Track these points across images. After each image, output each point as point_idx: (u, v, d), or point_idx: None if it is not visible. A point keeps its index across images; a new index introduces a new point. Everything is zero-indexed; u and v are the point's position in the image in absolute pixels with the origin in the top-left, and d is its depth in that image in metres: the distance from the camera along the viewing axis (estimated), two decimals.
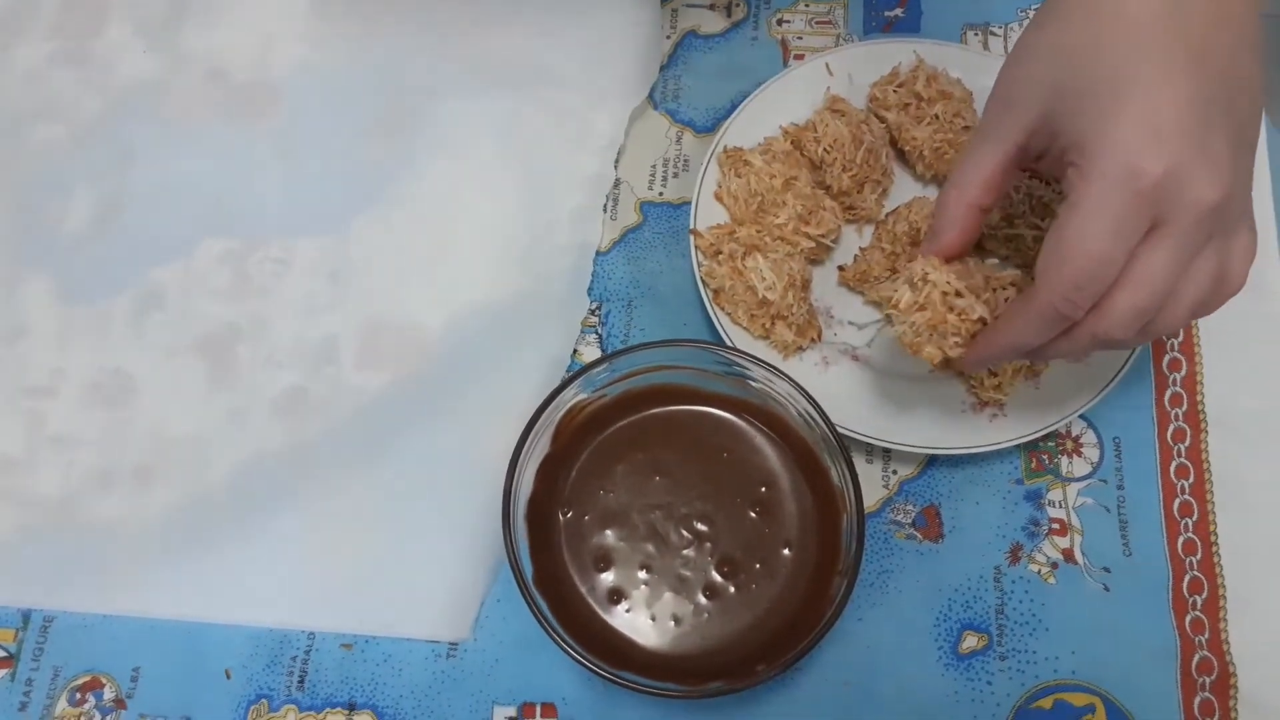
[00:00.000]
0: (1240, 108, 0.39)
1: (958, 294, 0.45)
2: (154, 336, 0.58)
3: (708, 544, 0.48)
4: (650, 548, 0.48)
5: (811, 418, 0.48)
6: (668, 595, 0.48)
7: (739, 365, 0.49)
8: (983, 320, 0.45)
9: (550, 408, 0.48)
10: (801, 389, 0.47)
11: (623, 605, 0.48)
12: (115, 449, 0.55)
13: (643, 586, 0.48)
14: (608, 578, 0.48)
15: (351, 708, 0.50)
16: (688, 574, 0.48)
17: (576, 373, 0.48)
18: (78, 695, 0.51)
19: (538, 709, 0.50)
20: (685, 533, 0.49)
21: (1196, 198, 0.37)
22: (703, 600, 0.48)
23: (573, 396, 0.49)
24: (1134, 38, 0.38)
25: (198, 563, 0.52)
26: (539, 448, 0.49)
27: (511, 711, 0.50)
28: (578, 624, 0.46)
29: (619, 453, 0.50)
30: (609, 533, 0.49)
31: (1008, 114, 0.43)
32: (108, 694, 0.51)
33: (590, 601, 0.48)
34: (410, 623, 0.51)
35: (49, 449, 0.55)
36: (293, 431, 0.55)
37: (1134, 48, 0.38)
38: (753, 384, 0.49)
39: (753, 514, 0.49)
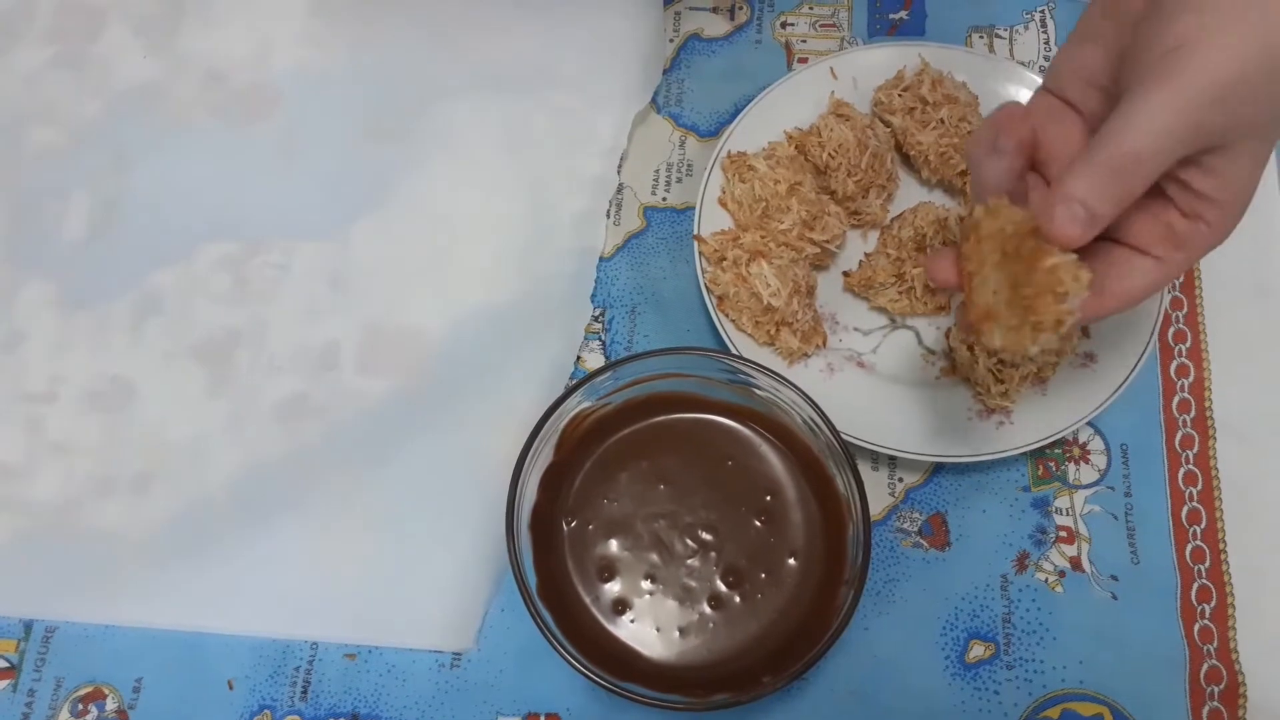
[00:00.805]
0: None
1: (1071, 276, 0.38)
2: (153, 341, 0.57)
3: (712, 553, 0.48)
4: (654, 557, 0.48)
5: (816, 425, 0.47)
6: (672, 605, 0.47)
7: (743, 373, 0.48)
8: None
9: (554, 416, 0.48)
10: (806, 396, 0.47)
11: (627, 615, 0.47)
12: (115, 456, 0.55)
13: (647, 596, 0.48)
14: (612, 587, 0.48)
15: (355, 718, 0.50)
16: (692, 584, 0.48)
17: (580, 381, 0.48)
18: (80, 706, 0.51)
19: (541, 719, 0.50)
20: (690, 542, 0.48)
21: None
22: (707, 610, 0.47)
23: (576, 404, 0.49)
24: None
25: (199, 571, 0.52)
26: (542, 456, 0.48)
27: None
28: (582, 634, 0.46)
29: (623, 461, 0.50)
30: (613, 542, 0.48)
31: (1194, 112, 0.36)
32: (110, 705, 0.51)
33: (594, 611, 0.47)
34: (414, 632, 0.51)
35: (49, 456, 0.55)
36: (293, 438, 0.55)
37: None
38: (757, 391, 0.49)
39: (758, 523, 0.49)
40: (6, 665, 0.52)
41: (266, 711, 0.50)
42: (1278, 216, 0.57)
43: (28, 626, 0.52)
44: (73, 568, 0.53)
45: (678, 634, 0.47)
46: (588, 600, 0.48)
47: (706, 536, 0.48)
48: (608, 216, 0.59)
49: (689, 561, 0.48)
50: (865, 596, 0.45)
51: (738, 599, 0.47)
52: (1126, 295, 0.40)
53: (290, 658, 0.51)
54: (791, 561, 0.48)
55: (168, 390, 0.56)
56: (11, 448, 0.55)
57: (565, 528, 0.49)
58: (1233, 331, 0.56)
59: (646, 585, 0.48)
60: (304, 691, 0.51)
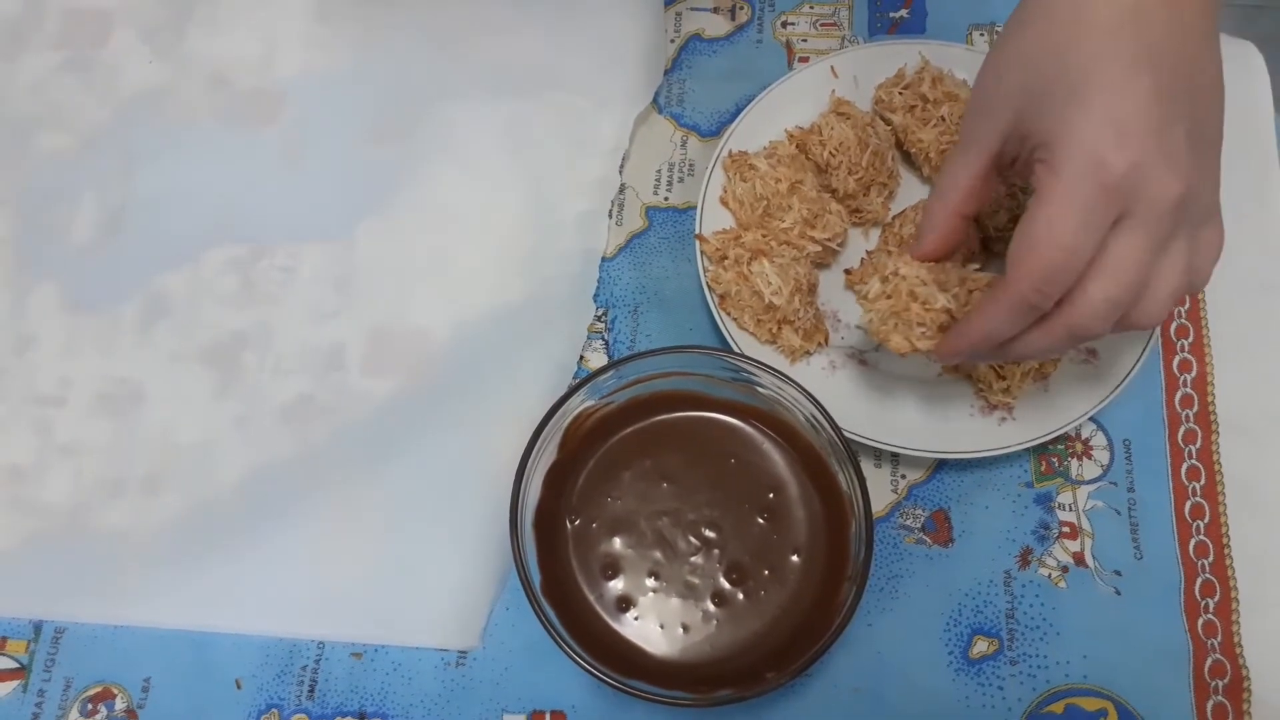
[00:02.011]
0: (1200, 105, 0.40)
1: (922, 283, 0.46)
2: (161, 344, 0.58)
3: (716, 550, 0.48)
4: (658, 555, 0.48)
5: (819, 423, 0.47)
6: (676, 602, 0.48)
7: (746, 371, 0.49)
8: (948, 311, 0.46)
9: (557, 415, 0.48)
10: (809, 394, 0.47)
11: (631, 613, 0.48)
12: (124, 458, 0.55)
13: (651, 594, 0.48)
14: (616, 585, 0.48)
15: (361, 717, 0.50)
16: (696, 581, 0.48)
17: (583, 380, 0.48)
18: (89, 706, 0.51)
19: (547, 717, 0.50)
20: (693, 539, 0.48)
21: (1160, 191, 0.38)
22: (711, 607, 0.47)
23: (580, 403, 0.49)
24: (1094, 40, 0.40)
25: (207, 572, 0.53)
26: (546, 455, 0.49)
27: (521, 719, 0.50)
28: (586, 632, 0.46)
29: (626, 459, 0.50)
30: (617, 540, 0.49)
31: (982, 122, 0.44)
32: (119, 704, 0.51)
33: (598, 609, 0.48)
34: (419, 631, 0.51)
35: (58, 458, 0.56)
36: (300, 439, 0.55)
37: (1095, 49, 0.39)
38: (760, 389, 0.49)
39: (761, 520, 0.49)
40: (16, 666, 0.52)
41: (274, 710, 0.51)
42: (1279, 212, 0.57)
43: (37, 627, 0.53)
44: (82, 569, 0.53)
45: (681, 631, 0.47)
46: (592, 598, 0.48)
47: (710, 534, 0.48)
48: (610, 217, 0.60)
49: (692, 559, 0.48)
50: (868, 593, 0.45)
51: (741, 596, 0.48)
52: (1022, 238, 0.40)
53: (297, 657, 0.51)
54: (794, 558, 0.48)
55: (176, 392, 0.57)
56: (21, 450, 0.56)
57: (569, 526, 0.49)
58: (1235, 326, 0.56)
59: (650, 583, 0.48)
60: (311, 690, 0.51)
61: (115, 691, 0.51)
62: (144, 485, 0.55)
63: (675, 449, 0.50)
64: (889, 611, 0.51)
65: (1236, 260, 0.56)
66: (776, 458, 0.50)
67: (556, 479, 0.49)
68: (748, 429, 0.51)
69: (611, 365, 0.48)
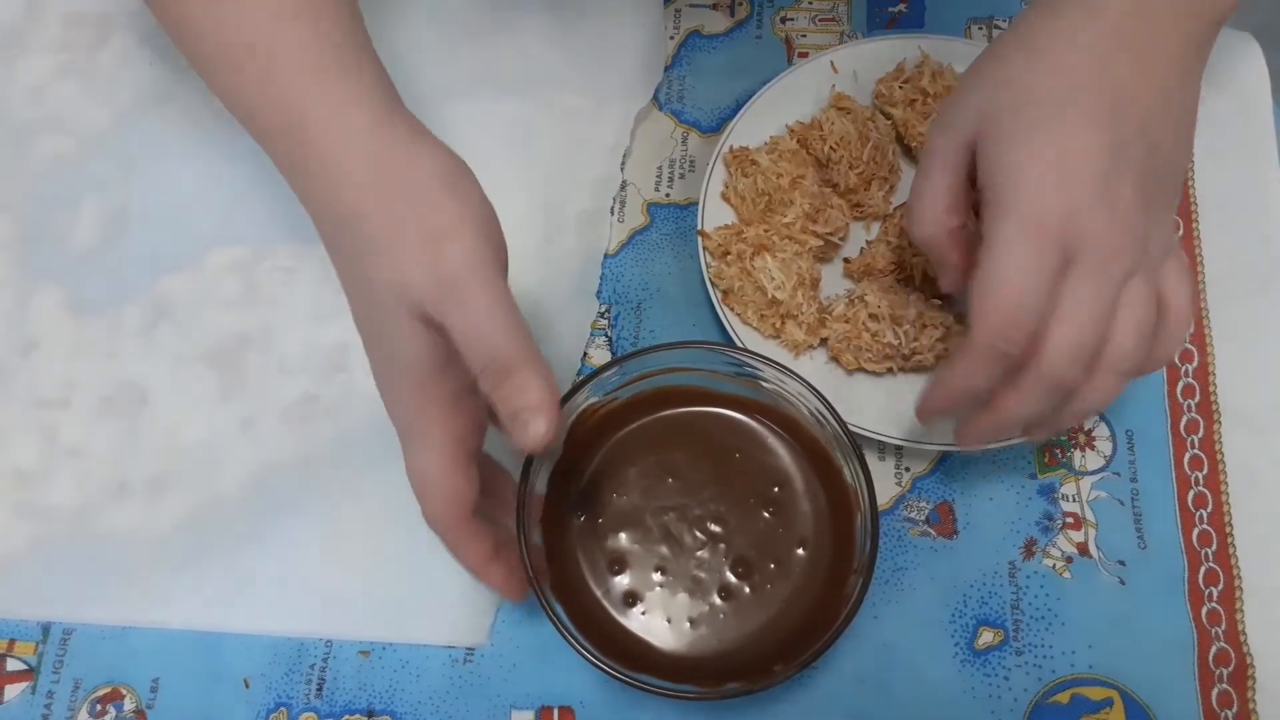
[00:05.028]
0: (1157, 157, 0.41)
1: (875, 319, 0.51)
2: (164, 347, 0.58)
3: (722, 545, 0.48)
4: (664, 550, 0.49)
5: (823, 416, 0.48)
6: (683, 597, 0.48)
7: (750, 366, 0.49)
8: (893, 346, 0.51)
9: (561, 412, 0.48)
10: (812, 388, 0.47)
11: (638, 608, 0.48)
12: (129, 460, 0.55)
13: (657, 589, 0.48)
14: (622, 580, 0.48)
15: (370, 714, 0.50)
16: (702, 575, 0.48)
17: (587, 377, 0.48)
18: (98, 707, 0.51)
19: (555, 712, 0.50)
20: (699, 534, 0.49)
21: (1102, 239, 0.40)
22: (718, 601, 0.48)
23: (584, 400, 0.49)
24: (1063, 79, 0.41)
25: (213, 572, 0.53)
26: (551, 452, 0.49)
27: (529, 716, 0.50)
28: (594, 627, 0.47)
29: (631, 456, 0.50)
30: (623, 536, 0.49)
31: (945, 135, 0.45)
32: (128, 705, 0.51)
33: (605, 605, 0.48)
34: (427, 628, 0.52)
35: (63, 461, 0.56)
36: (305, 439, 0.55)
37: (1061, 89, 0.41)
38: (764, 384, 0.49)
39: (766, 514, 0.49)
40: (25, 668, 0.52)
41: (283, 709, 0.51)
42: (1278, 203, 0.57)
43: (45, 629, 0.53)
44: (89, 571, 0.53)
45: (688, 625, 0.47)
46: (599, 593, 0.48)
47: (715, 528, 0.49)
48: (612, 214, 0.60)
49: (698, 553, 0.48)
50: (874, 585, 0.45)
51: (747, 589, 0.48)
52: (979, 286, 0.41)
53: (305, 655, 0.52)
54: (800, 552, 0.48)
55: (180, 394, 0.57)
56: (26, 454, 0.56)
57: (575, 522, 0.49)
58: (1236, 317, 0.56)
59: (657, 578, 0.48)
60: (319, 689, 0.51)
61: (124, 692, 0.51)
62: (149, 487, 0.55)
63: (680, 445, 0.51)
64: (894, 603, 0.51)
65: (1236, 251, 0.57)
66: (781, 452, 0.50)
67: (562, 476, 0.49)
68: (752, 424, 0.51)
69: (615, 362, 0.48)
